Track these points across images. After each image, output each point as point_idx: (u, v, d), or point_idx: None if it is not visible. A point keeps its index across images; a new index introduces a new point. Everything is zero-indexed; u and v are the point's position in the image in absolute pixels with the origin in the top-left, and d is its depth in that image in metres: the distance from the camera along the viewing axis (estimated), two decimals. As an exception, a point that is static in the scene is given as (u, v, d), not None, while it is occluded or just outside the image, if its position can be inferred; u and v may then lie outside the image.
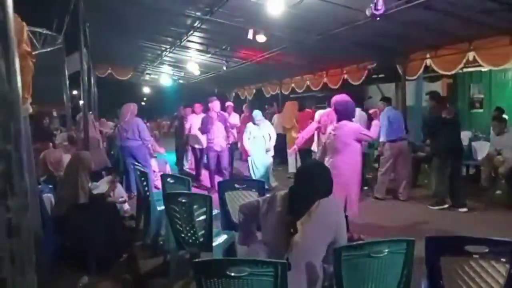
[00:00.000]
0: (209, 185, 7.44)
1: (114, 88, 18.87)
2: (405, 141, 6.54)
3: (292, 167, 8.58)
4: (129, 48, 11.18)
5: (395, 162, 6.40)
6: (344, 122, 4.34)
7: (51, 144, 6.09)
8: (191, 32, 7.80)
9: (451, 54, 6.53)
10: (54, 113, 9.45)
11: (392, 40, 6.72)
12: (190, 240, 3.22)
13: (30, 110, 2.98)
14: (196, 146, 8.34)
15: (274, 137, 7.31)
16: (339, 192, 3.87)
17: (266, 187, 5.32)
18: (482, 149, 7.11)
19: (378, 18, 4.58)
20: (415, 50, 7.25)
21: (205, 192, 6.38)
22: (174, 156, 10.00)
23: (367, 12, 4.64)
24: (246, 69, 10.44)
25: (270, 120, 9.15)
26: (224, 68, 9.79)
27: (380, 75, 9.58)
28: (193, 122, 8.31)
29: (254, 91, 14.63)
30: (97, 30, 8.97)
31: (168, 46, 9.94)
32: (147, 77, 16.18)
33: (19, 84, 1.27)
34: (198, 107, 8.75)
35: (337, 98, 4.98)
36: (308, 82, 10.96)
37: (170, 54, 10.67)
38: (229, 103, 9.74)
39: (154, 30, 8.79)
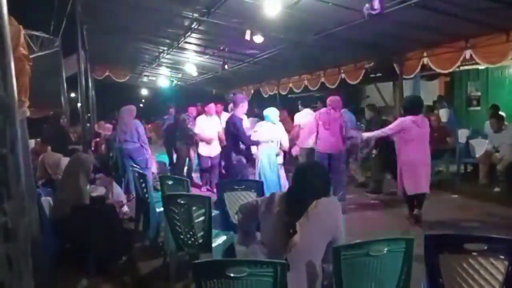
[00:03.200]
0: None
1: (112, 90, 18.86)
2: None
3: None
4: (127, 50, 11.20)
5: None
6: (422, 116, 5.03)
7: (49, 147, 6.06)
8: (189, 33, 7.81)
9: (448, 53, 6.54)
10: (52, 116, 9.45)
11: (389, 39, 6.74)
12: (189, 242, 3.22)
13: (28, 113, 2.98)
14: (204, 154, 7.31)
15: (285, 140, 5.82)
16: (422, 172, 4.86)
17: None
18: (479, 147, 7.12)
19: (375, 16, 4.59)
20: (412, 49, 7.27)
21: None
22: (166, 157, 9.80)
23: (364, 12, 4.65)
24: (244, 69, 10.46)
25: None
26: (226, 67, 9.68)
27: (377, 74, 9.62)
28: (204, 125, 7.24)
29: (252, 91, 14.65)
30: (94, 32, 8.99)
31: (165, 48, 9.95)
32: (145, 79, 16.20)
33: (15, 88, 1.27)
34: (211, 107, 7.36)
35: (333, 98, 5.92)
36: (305, 82, 10.98)
37: (168, 56, 10.67)
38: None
39: (151, 32, 8.80)
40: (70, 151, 6.33)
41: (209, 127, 7.18)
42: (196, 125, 7.34)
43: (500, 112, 7.42)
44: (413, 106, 4.98)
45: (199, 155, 7.49)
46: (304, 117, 7.06)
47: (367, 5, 4.55)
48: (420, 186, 4.89)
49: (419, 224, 4.93)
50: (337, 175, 5.71)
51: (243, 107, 5.63)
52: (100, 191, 4.85)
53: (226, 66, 9.56)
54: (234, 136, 5.53)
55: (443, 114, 8.95)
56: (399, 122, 5.03)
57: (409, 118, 4.91)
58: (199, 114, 7.89)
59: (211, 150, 7.20)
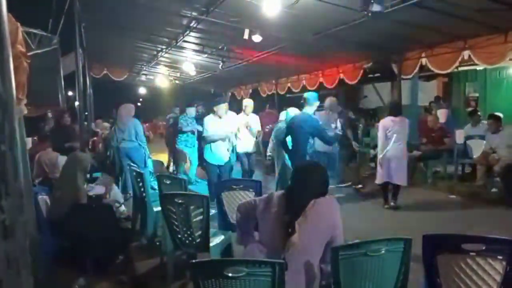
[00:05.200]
0: None
1: (109, 89, 18.80)
2: None
3: None
4: (125, 49, 11.16)
5: None
6: (401, 117, 5.85)
7: (46, 145, 6.03)
8: (187, 32, 7.79)
9: (447, 53, 6.56)
10: (49, 115, 9.40)
11: (388, 39, 6.75)
12: (187, 241, 3.21)
13: (25, 111, 2.96)
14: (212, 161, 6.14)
15: None
16: (400, 163, 5.70)
17: None
18: (477, 148, 7.13)
19: (374, 16, 4.59)
20: (410, 49, 7.28)
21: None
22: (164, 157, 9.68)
23: (363, 12, 4.66)
24: (242, 69, 10.44)
25: None
26: (220, 67, 9.72)
27: (375, 74, 9.62)
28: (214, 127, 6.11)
29: (251, 91, 14.64)
30: (92, 30, 8.96)
31: (164, 47, 9.93)
32: (143, 78, 16.16)
33: (13, 85, 1.26)
34: (221, 107, 6.34)
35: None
36: (304, 82, 10.98)
37: (166, 55, 10.65)
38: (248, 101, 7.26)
39: (150, 31, 8.77)
40: (67, 149, 6.29)
41: (221, 129, 6.07)
42: (205, 128, 6.21)
43: (497, 113, 7.44)
44: (393, 109, 5.97)
45: (205, 161, 6.37)
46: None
47: (366, 5, 4.54)
48: (391, 176, 5.73)
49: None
50: (332, 173, 5.90)
51: (315, 105, 5.15)
52: (97, 190, 4.83)
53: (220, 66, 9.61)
54: (306, 138, 4.90)
55: (441, 114, 8.97)
56: (381, 122, 5.99)
57: (388, 118, 5.85)
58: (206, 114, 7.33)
59: (219, 156, 6.07)
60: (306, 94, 5.16)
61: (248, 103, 6.97)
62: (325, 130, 5.13)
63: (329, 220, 2.24)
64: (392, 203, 5.90)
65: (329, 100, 6.33)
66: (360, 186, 7.46)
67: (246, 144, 6.68)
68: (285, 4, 5.27)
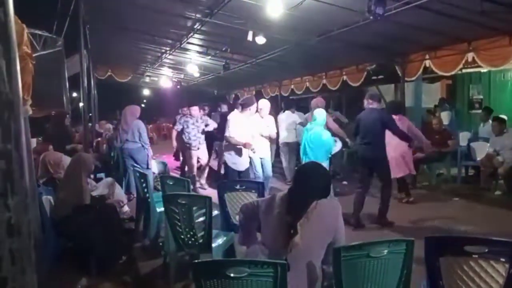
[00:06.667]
0: None
1: (114, 90, 18.88)
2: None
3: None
4: (129, 50, 11.21)
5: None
6: (401, 115, 6.18)
7: (50, 146, 6.07)
8: (191, 34, 7.82)
9: (450, 55, 6.55)
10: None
11: (391, 41, 6.74)
12: (190, 242, 3.22)
13: (30, 112, 2.99)
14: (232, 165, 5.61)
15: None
16: (406, 155, 6.01)
17: None
18: (481, 150, 7.11)
19: (378, 18, 4.58)
20: (414, 51, 7.27)
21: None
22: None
23: (366, 14, 4.66)
24: (246, 70, 10.46)
25: None
26: (222, 73, 9.74)
27: (379, 76, 9.60)
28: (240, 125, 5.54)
29: (254, 92, 14.66)
30: (97, 32, 9.01)
31: (168, 48, 9.96)
32: (147, 79, 16.21)
33: (20, 85, 1.28)
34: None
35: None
36: (307, 84, 10.99)
37: (170, 56, 10.69)
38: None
39: (154, 32, 8.80)
40: (69, 151, 6.33)
41: (246, 128, 5.53)
42: (230, 125, 5.52)
43: (502, 115, 7.41)
44: (392, 108, 6.23)
45: (225, 165, 5.88)
46: (285, 120, 7.99)
47: (369, 6, 4.54)
48: (399, 170, 5.91)
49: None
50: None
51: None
52: (101, 190, 4.85)
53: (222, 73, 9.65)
54: (381, 133, 5.10)
55: (445, 116, 8.94)
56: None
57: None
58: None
59: (241, 160, 5.55)
60: (372, 92, 5.60)
61: (263, 105, 6.04)
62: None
63: (331, 221, 2.24)
64: (404, 197, 6.15)
65: (315, 100, 6.54)
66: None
67: (261, 149, 5.96)
68: (288, 6, 5.28)
